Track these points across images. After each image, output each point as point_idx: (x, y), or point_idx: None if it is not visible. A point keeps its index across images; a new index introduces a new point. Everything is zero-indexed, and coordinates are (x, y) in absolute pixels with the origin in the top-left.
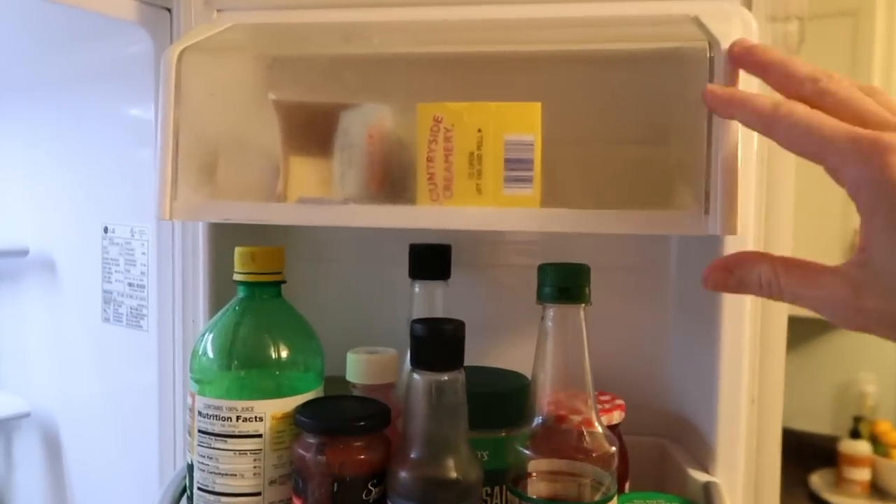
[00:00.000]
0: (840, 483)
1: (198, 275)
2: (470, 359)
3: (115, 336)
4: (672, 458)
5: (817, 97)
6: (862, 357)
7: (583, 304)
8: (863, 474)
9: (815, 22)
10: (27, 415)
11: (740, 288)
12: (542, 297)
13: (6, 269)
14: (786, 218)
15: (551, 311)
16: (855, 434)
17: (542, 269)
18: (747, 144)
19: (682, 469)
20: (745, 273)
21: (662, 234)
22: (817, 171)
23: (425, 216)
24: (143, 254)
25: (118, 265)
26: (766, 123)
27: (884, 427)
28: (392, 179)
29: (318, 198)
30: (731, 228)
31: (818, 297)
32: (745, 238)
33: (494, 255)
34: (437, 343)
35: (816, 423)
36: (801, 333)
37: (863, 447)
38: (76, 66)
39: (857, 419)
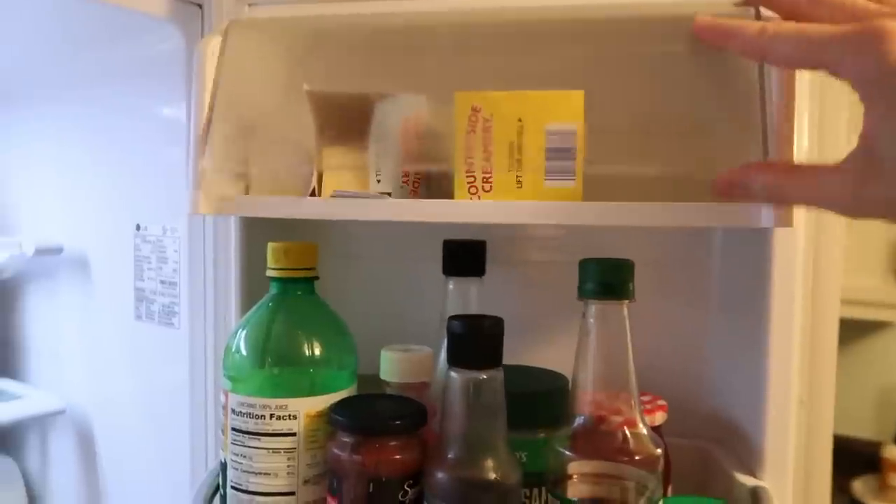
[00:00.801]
0: (883, 489)
1: (230, 272)
2: (506, 358)
3: (147, 333)
4: (716, 462)
5: (812, 8)
6: None
7: (626, 301)
8: None
9: None
10: (62, 412)
11: (746, 195)
12: (583, 293)
13: (41, 268)
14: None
15: (593, 308)
16: None
17: (584, 265)
18: (801, 131)
19: (728, 473)
20: (749, 181)
21: (712, 226)
22: None
23: (464, 210)
24: (175, 251)
25: (150, 263)
26: (758, 46)
27: None
28: (429, 172)
29: (353, 192)
30: (786, 220)
31: (822, 194)
32: (796, 231)
33: (530, 252)
34: (475, 340)
35: (859, 428)
36: (844, 336)
37: None
38: (108, 64)
39: None
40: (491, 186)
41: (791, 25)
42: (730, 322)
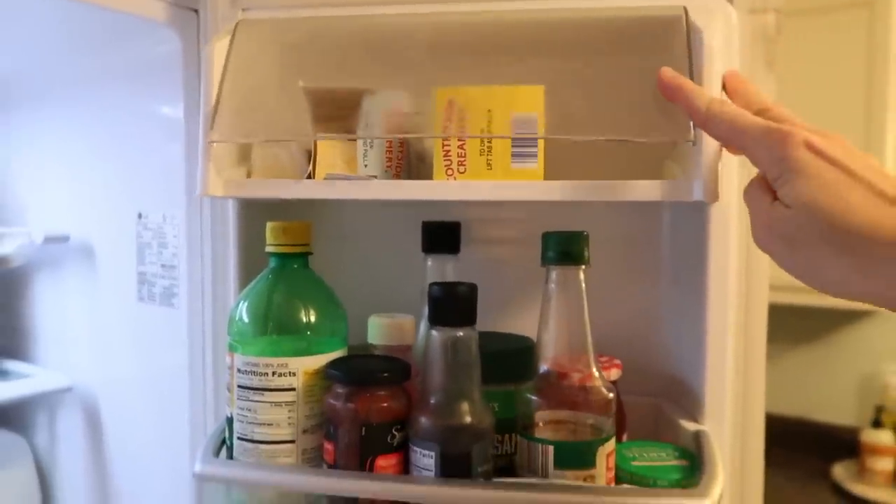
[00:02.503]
0: (862, 473)
1: (227, 254)
2: (479, 326)
3: (149, 314)
4: (665, 414)
5: (758, 114)
6: (885, 348)
7: (582, 266)
8: (885, 464)
9: (829, 14)
10: (69, 389)
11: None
12: (545, 261)
13: (48, 257)
14: None
15: (554, 273)
16: (877, 424)
17: (546, 236)
18: None
19: (675, 422)
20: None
21: (652, 200)
22: None
23: (441, 189)
24: (175, 237)
25: (151, 248)
26: (701, 117)
27: None
28: (409, 159)
29: (344, 174)
30: (712, 195)
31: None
32: (728, 209)
33: (499, 232)
34: (453, 302)
35: (839, 415)
36: (822, 325)
37: (885, 437)
38: (109, 65)
39: (880, 409)
40: (465, 168)
41: (730, 110)
42: (677, 292)
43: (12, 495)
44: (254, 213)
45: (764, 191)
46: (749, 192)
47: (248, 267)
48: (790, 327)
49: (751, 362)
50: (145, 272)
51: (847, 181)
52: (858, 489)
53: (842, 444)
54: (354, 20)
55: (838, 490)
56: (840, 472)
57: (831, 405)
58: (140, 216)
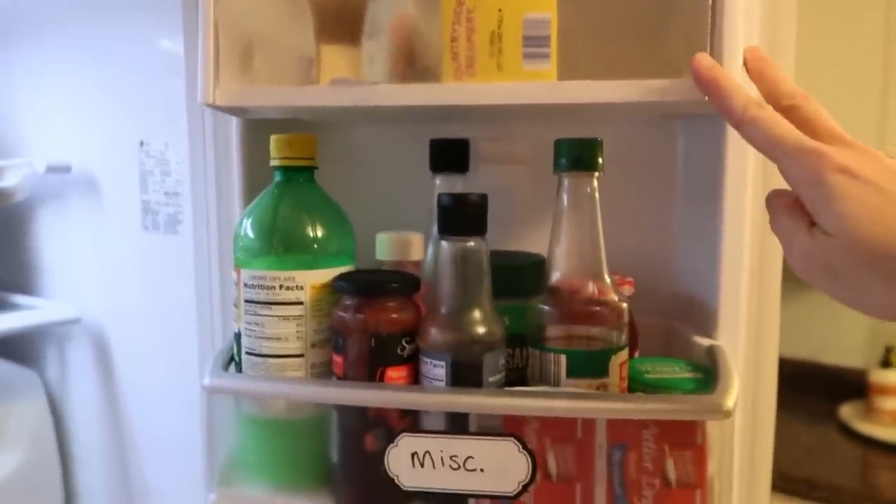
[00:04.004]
0: (870, 413)
1: (232, 178)
2: (489, 246)
3: (154, 243)
4: (678, 332)
5: (788, 111)
6: None
7: (596, 173)
8: (893, 403)
9: None
10: (77, 321)
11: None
12: (558, 168)
13: (52, 189)
14: None
15: (567, 182)
16: (886, 364)
17: (559, 143)
18: (749, 12)
19: (688, 338)
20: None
21: (667, 100)
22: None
23: (450, 93)
24: (178, 163)
25: (154, 176)
26: (735, 120)
27: None
28: (417, 62)
29: (350, 79)
30: None
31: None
32: None
33: (510, 151)
34: (463, 211)
35: (847, 358)
36: None
37: (894, 376)
38: None
39: (889, 349)
40: (475, 71)
41: (767, 116)
42: (691, 207)
43: (26, 428)
44: (257, 132)
45: (797, 217)
46: (780, 221)
47: (253, 189)
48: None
49: (765, 275)
50: (149, 200)
51: (888, 205)
52: (865, 428)
53: (849, 386)
54: None
55: (845, 429)
56: (847, 411)
57: (840, 348)
58: (142, 144)
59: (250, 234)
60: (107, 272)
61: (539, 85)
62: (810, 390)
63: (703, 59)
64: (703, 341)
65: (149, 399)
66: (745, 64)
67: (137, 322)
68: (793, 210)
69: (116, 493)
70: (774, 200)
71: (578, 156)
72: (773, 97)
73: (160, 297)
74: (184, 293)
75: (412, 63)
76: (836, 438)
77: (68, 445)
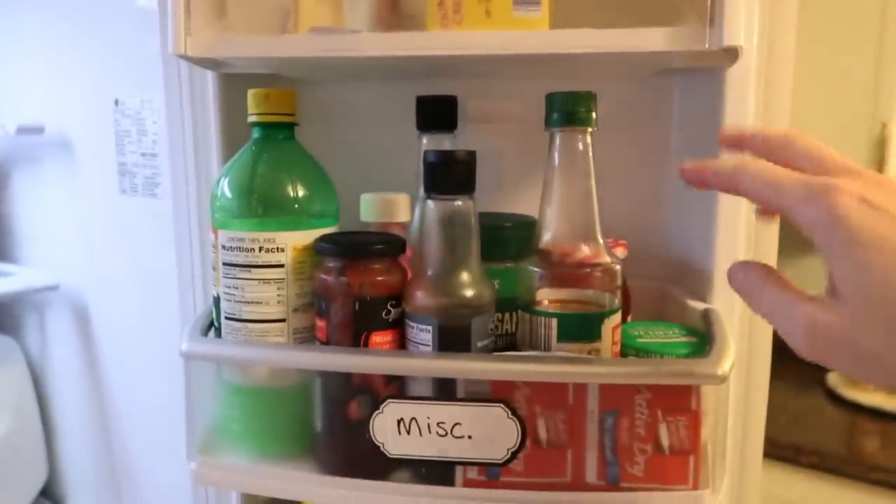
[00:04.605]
0: (855, 380)
1: (209, 135)
2: (478, 208)
3: (132, 206)
4: (672, 296)
5: (784, 149)
6: None
7: (589, 129)
8: None
9: None
10: (55, 287)
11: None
12: (549, 124)
13: (26, 152)
14: (787, 48)
15: (559, 138)
16: None
17: (550, 97)
18: None
19: (682, 302)
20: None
21: (666, 49)
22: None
23: (435, 41)
24: (154, 122)
25: (130, 136)
26: (732, 184)
27: None
28: (401, 8)
29: (330, 27)
30: (734, 37)
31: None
32: (747, 73)
33: (499, 109)
34: (450, 168)
35: None
36: None
37: None
38: None
39: None
40: (461, 17)
41: (761, 166)
42: None
43: (8, 396)
44: (235, 89)
45: (789, 289)
46: (765, 298)
47: (232, 149)
48: (791, 238)
49: (762, 248)
50: (126, 162)
51: None
52: (851, 394)
53: None
54: None
55: (832, 395)
56: (834, 378)
57: None
58: (117, 103)
59: (228, 193)
60: (85, 238)
61: (530, 34)
62: (798, 357)
63: (686, 164)
64: (698, 305)
65: (131, 367)
66: (721, 142)
67: (117, 288)
68: (777, 281)
69: (101, 462)
70: (744, 277)
71: (571, 110)
72: (765, 148)
73: (140, 263)
74: (164, 258)
75: (396, 10)
76: (823, 404)
77: (50, 414)
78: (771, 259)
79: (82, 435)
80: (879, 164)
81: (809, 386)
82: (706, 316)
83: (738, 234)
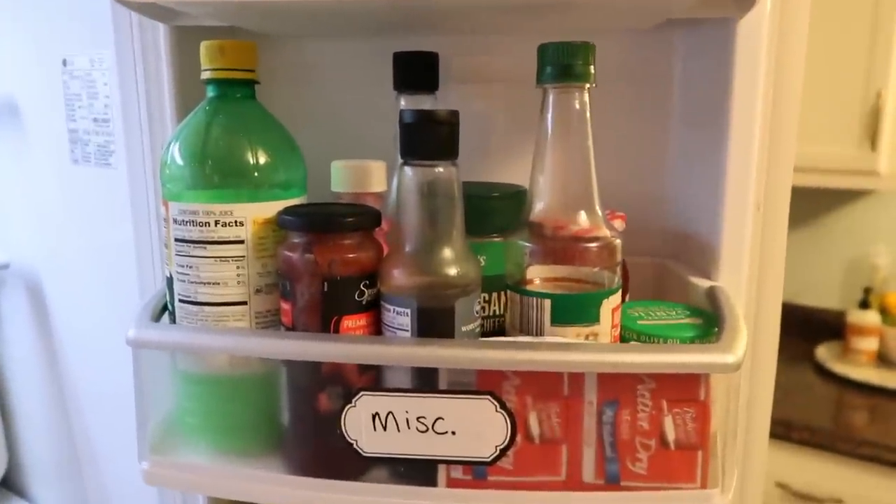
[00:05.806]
0: (846, 353)
1: (164, 98)
2: (463, 177)
3: (85, 177)
4: (673, 273)
5: None
6: (874, 230)
7: (587, 85)
8: (870, 343)
9: None
10: (6, 266)
11: None
12: (542, 79)
13: None
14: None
15: (552, 95)
16: (864, 305)
17: (543, 48)
18: None
19: (684, 280)
20: None
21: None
22: None
23: None
24: (105, 84)
25: (81, 100)
26: None
27: (894, 299)
28: None
29: None
30: None
31: None
32: (759, 27)
33: (485, 69)
34: (430, 130)
35: (825, 299)
36: (810, 207)
37: (871, 317)
38: None
39: (867, 290)
40: None
41: None
42: (689, 136)
43: None
44: (190, 43)
45: None
46: None
47: (188, 112)
48: (802, 208)
49: (771, 221)
50: (77, 129)
51: None
52: (840, 368)
53: (826, 327)
54: None
55: (821, 369)
56: (823, 352)
57: (818, 289)
58: (65, 63)
59: (179, 160)
60: (36, 212)
61: None
62: (787, 331)
63: None
64: (702, 282)
65: (90, 348)
66: None
67: (72, 265)
68: None
69: (63, 450)
70: None
71: (567, 62)
72: None
73: (95, 238)
74: (121, 232)
75: None
76: (812, 379)
77: (8, 401)
78: (781, 229)
79: (42, 422)
80: (873, 133)
81: (798, 360)
82: (712, 295)
83: (747, 204)
